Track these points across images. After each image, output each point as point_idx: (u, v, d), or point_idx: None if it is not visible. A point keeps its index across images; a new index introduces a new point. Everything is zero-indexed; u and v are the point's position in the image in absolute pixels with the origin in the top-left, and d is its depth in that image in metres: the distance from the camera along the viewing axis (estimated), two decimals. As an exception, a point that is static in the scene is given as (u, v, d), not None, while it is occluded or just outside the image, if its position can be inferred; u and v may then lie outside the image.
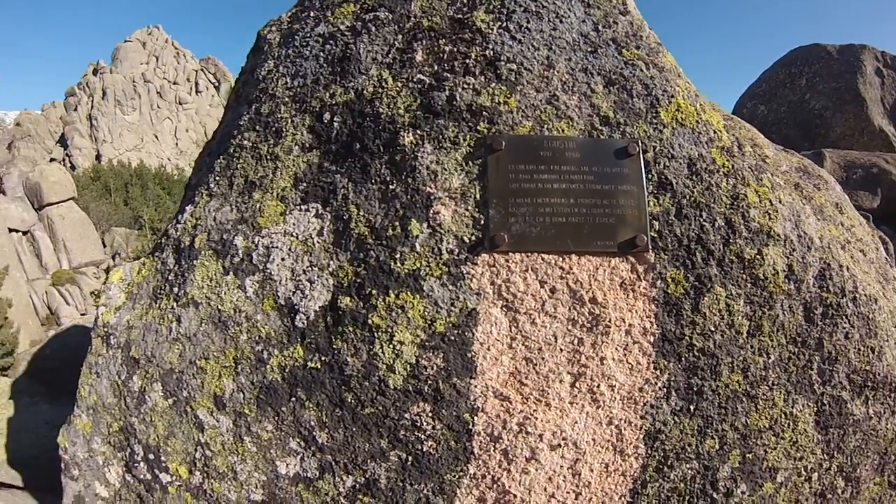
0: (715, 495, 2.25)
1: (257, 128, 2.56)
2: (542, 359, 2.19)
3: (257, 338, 2.26)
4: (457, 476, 2.19)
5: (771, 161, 2.64)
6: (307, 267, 2.27)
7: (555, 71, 2.39)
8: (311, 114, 2.47)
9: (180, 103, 79.34)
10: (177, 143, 75.65)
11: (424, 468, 2.18)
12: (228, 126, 2.87)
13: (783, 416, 2.28)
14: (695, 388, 2.21)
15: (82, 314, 26.37)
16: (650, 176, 2.29)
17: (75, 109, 72.31)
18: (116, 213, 41.18)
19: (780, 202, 2.38)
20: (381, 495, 2.20)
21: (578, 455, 2.21)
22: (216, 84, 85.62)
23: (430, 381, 2.15)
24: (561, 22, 2.49)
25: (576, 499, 2.23)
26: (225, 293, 2.32)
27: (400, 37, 2.50)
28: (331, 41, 2.58)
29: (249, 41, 3.30)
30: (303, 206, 2.35)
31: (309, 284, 2.25)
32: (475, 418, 2.17)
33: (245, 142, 2.56)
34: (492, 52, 2.40)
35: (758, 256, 2.26)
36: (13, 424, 5.88)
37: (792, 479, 2.34)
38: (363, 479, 2.21)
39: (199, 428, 2.32)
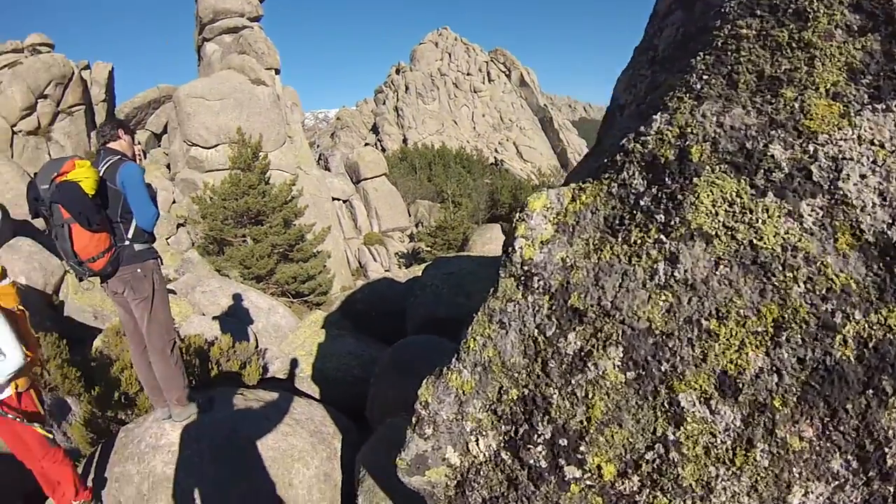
0: None
1: (758, 12, 1.84)
2: None
3: (824, 291, 1.45)
4: None
5: None
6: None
7: None
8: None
9: (475, 92, 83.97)
10: (474, 127, 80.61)
11: None
12: (683, 24, 2.25)
13: None
14: None
15: (386, 270, 30.12)
16: None
17: (383, 103, 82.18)
18: (421, 188, 45.35)
19: None
20: None
21: None
22: (507, 72, 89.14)
23: None
24: None
25: None
26: (763, 222, 1.55)
27: None
28: None
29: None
30: (877, 106, 1.53)
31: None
32: None
33: (742, 30, 1.84)
34: None
35: None
36: (322, 349, 6.57)
37: None
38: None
39: (671, 419, 1.61)
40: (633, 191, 1.87)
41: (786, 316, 1.49)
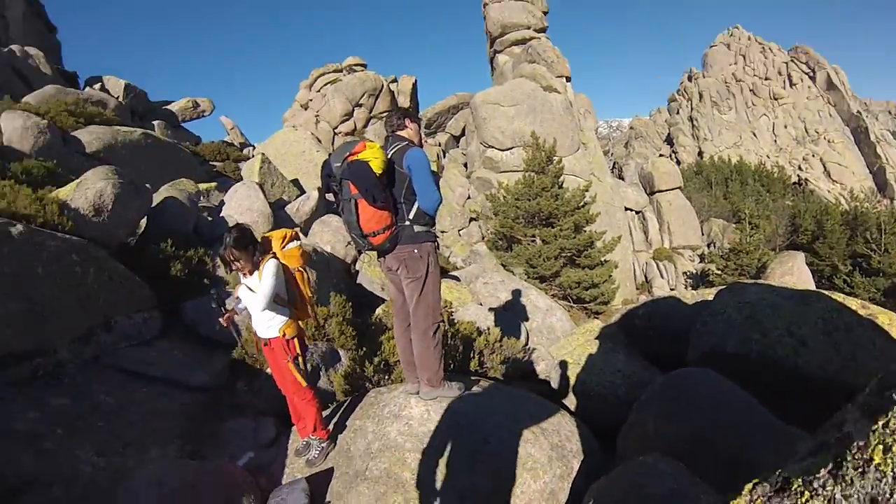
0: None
1: None
2: None
3: None
4: None
5: None
6: None
7: None
8: None
9: (775, 99, 75.06)
10: (775, 140, 71.81)
11: None
12: None
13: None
14: None
15: (672, 288, 27.55)
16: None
17: (677, 112, 77.43)
18: (716, 206, 41.79)
19: None
20: None
21: None
22: (810, 74, 76.82)
23: None
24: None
25: None
26: None
27: None
28: None
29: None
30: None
31: None
32: None
33: None
34: None
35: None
36: (590, 361, 6.20)
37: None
38: None
39: None
40: None
41: None
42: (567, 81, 29.59)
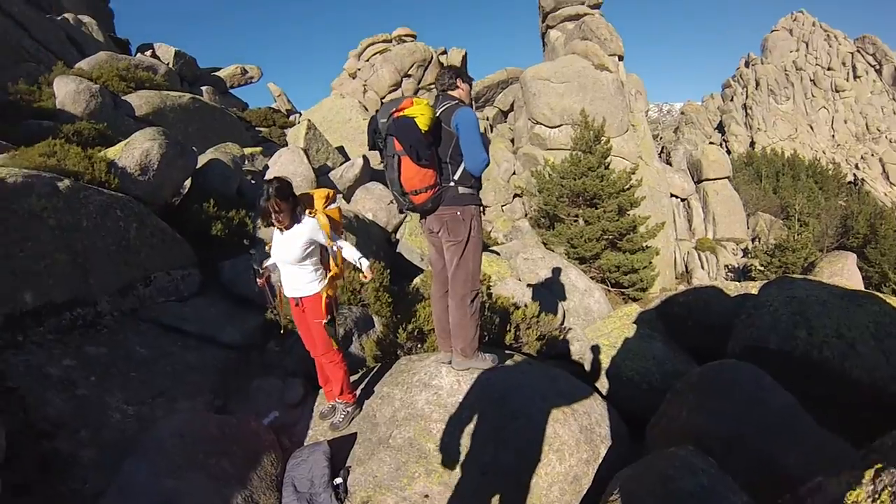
0: None
1: None
2: None
3: None
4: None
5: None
6: None
7: None
8: None
9: (837, 91, 71.69)
10: (833, 136, 68.72)
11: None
12: None
13: None
14: None
15: (712, 280, 26.83)
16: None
17: (731, 100, 74.67)
18: (765, 199, 40.64)
19: None
20: None
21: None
22: (877, 67, 72.76)
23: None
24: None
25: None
26: None
27: None
28: None
29: None
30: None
31: None
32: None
33: None
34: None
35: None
36: (626, 345, 6.02)
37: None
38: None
39: None
40: None
41: None
42: (619, 60, 28.75)
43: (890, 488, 1.25)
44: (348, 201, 13.00)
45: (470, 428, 3.62)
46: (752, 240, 33.89)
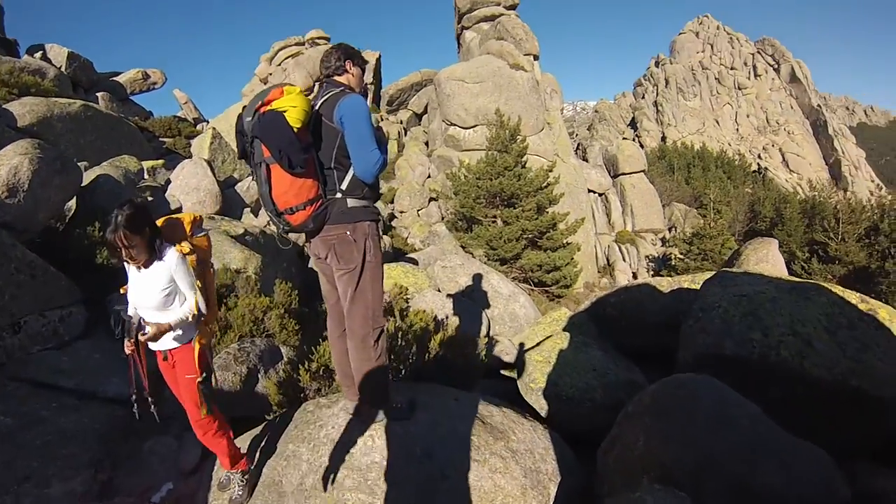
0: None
1: None
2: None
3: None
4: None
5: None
6: None
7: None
8: None
9: (739, 88, 77.89)
10: (737, 129, 74.04)
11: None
12: None
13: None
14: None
15: (634, 272, 27.58)
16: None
17: (643, 97, 78.61)
18: (678, 190, 42.60)
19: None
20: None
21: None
22: (775, 66, 79.33)
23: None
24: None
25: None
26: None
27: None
28: None
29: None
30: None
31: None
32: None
33: None
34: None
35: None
36: (561, 358, 5.50)
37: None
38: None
39: None
40: None
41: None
42: (535, 60, 29.12)
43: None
44: (256, 215, 12.29)
45: (393, 496, 3.00)
46: (669, 229, 35.20)
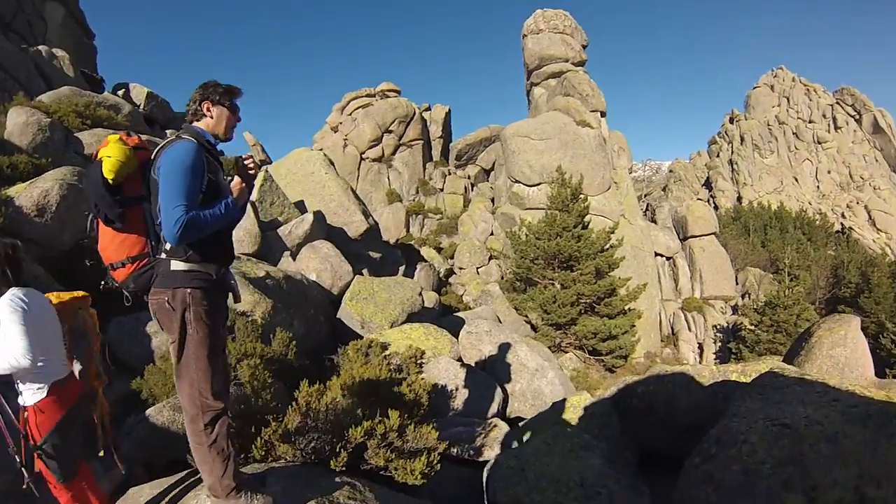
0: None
1: None
2: None
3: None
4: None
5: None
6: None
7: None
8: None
9: (819, 142, 73.62)
10: (818, 186, 69.88)
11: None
12: None
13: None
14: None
15: (699, 343, 25.89)
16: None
17: (717, 155, 76.04)
18: (753, 253, 40.25)
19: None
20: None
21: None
22: (856, 117, 74.85)
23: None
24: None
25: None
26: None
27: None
28: None
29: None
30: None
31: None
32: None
33: None
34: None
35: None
36: (541, 467, 4.24)
37: None
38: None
39: None
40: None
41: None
42: (602, 117, 28.61)
43: None
44: (294, 259, 12.22)
45: None
46: (742, 296, 33.15)
